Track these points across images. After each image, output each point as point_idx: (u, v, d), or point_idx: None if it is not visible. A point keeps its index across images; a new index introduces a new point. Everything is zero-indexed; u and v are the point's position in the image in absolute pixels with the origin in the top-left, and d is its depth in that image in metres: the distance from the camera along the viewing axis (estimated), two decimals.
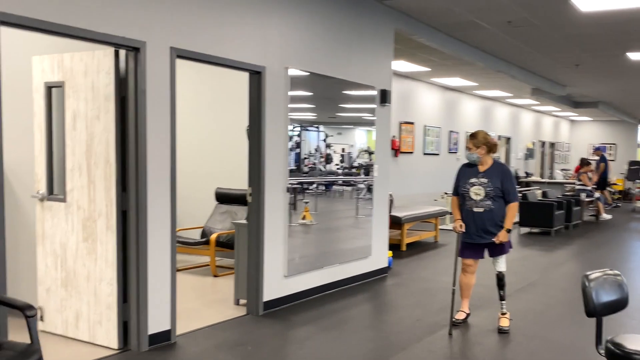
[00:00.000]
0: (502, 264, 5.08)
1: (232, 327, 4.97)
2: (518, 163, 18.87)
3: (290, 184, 5.69)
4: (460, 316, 5.21)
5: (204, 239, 7.04)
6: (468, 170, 5.06)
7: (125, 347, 4.36)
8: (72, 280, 4.60)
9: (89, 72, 4.44)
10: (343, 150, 6.53)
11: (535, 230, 11.67)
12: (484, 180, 4.94)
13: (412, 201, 12.24)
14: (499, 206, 4.94)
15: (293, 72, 5.60)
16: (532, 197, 11.70)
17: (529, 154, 19.66)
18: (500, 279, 5.08)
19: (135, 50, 4.28)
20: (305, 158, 5.94)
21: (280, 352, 4.38)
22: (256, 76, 5.31)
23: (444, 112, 14.16)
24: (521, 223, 11.34)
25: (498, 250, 5.01)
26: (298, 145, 5.82)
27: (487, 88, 14.12)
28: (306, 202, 5.99)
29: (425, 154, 13.26)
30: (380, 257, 7.05)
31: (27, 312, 2.88)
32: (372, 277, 6.88)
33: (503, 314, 5.09)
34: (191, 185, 8.14)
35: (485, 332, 4.97)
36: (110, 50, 4.31)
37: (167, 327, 4.50)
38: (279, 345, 4.52)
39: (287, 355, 4.31)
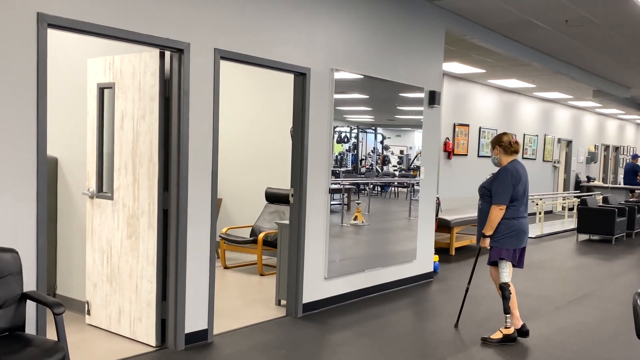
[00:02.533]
0: (502, 273, 4.72)
1: (270, 328, 4.90)
2: (579, 167, 18.07)
3: (343, 184, 5.65)
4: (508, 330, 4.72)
5: (252, 238, 7.02)
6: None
7: (163, 345, 4.35)
8: (116, 276, 4.63)
9: (136, 74, 4.45)
10: (401, 152, 6.48)
11: (594, 237, 11.10)
12: (486, 180, 4.82)
13: (464, 204, 11.87)
14: (487, 208, 4.67)
15: (341, 74, 5.47)
16: (592, 202, 11.12)
17: (591, 158, 18.78)
18: (502, 289, 4.72)
19: (179, 51, 4.25)
20: (362, 159, 5.99)
21: (313, 356, 4.26)
22: (300, 77, 5.21)
23: (501, 114, 13.68)
24: (579, 229, 10.80)
25: (490, 257, 4.75)
26: (355, 147, 5.88)
27: (546, 90, 13.55)
28: (358, 203, 5.93)
29: (479, 156, 12.85)
30: (425, 261, 6.83)
31: (55, 310, 2.88)
32: (416, 282, 6.66)
33: (505, 327, 4.69)
34: (243, 185, 8.14)
35: (537, 345, 4.69)
36: (156, 52, 4.30)
37: (204, 326, 4.46)
38: (312, 350, 4.40)
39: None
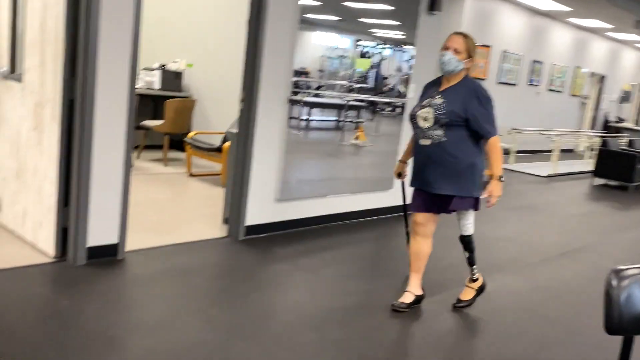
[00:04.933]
0: (468, 224, 3.55)
1: (202, 248, 4.21)
2: (610, 106, 16.68)
3: (352, 101, 5.26)
4: (405, 298, 3.54)
5: (217, 146, 6.25)
6: (429, 88, 3.46)
7: (62, 257, 3.68)
8: (23, 172, 3.93)
9: None
10: None
11: (612, 183, 10.09)
12: (439, 99, 3.28)
13: None
14: (454, 139, 3.26)
15: None
16: (614, 144, 10.03)
17: (625, 97, 17.29)
18: (467, 242, 3.60)
19: None
20: (384, 78, 5.66)
21: (232, 289, 3.57)
22: None
23: (529, 39, 12.33)
24: (596, 172, 9.78)
25: (456, 203, 3.36)
26: (379, 64, 5.55)
27: (584, 16, 12.08)
28: (360, 122, 5.38)
29: (499, 82, 11.68)
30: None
31: None
32: (389, 214, 5.84)
33: (472, 280, 3.70)
34: (222, 86, 7.28)
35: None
36: None
37: (114, 240, 3.76)
38: (236, 280, 3.71)
39: (237, 296, 3.50)
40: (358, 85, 5.39)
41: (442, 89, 3.33)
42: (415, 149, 3.45)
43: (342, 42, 5.21)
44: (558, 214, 7.17)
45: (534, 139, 12.35)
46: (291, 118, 4.77)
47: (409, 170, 3.70)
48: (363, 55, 5.43)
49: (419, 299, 3.61)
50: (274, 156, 4.59)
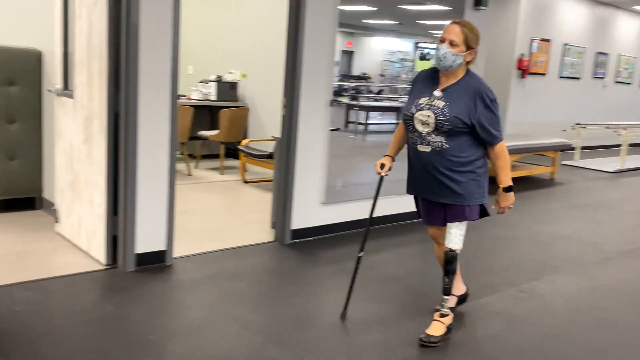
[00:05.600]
0: (453, 236, 3.00)
1: (248, 254, 4.22)
2: None
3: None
4: (451, 303, 3.20)
5: (268, 152, 6.29)
6: (425, 82, 3.00)
7: (114, 264, 3.79)
8: (76, 183, 4.08)
9: None
10: None
11: None
12: (440, 102, 2.87)
13: (536, 129, 10.45)
14: (458, 145, 2.87)
15: None
16: None
17: None
18: (449, 260, 3.03)
19: None
20: None
21: (275, 293, 3.55)
22: None
23: (592, 30, 11.74)
24: None
25: (451, 214, 2.98)
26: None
27: None
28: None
29: (561, 77, 11.17)
30: None
31: None
32: None
33: (441, 315, 3.12)
34: (274, 96, 7.33)
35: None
36: None
37: (161, 247, 3.84)
38: (278, 285, 3.69)
39: (277, 300, 3.47)
40: None
41: (441, 86, 2.91)
42: (413, 154, 3.02)
43: (402, 45, 5.15)
44: (623, 211, 6.75)
45: (601, 134, 11.73)
46: (349, 122, 4.74)
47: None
48: (424, 57, 5.33)
49: (462, 298, 3.43)
50: (317, 160, 4.56)
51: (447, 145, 2.87)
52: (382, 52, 4.93)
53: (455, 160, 2.89)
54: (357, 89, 4.72)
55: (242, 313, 3.23)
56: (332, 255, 4.32)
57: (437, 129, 2.85)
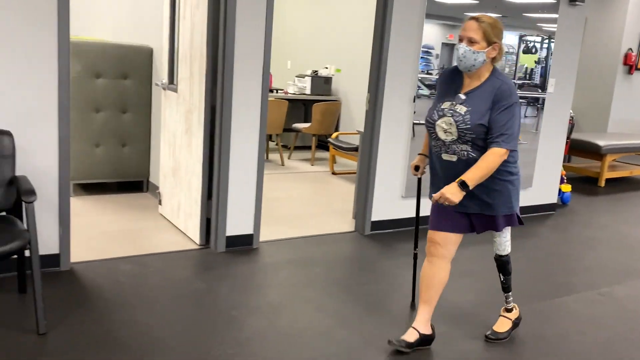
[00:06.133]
0: (505, 241, 2.94)
1: (329, 242, 4.41)
2: None
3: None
4: (408, 336, 2.83)
5: (355, 145, 6.45)
6: (449, 83, 2.77)
7: (207, 245, 4.12)
8: (178, 170, 4.45)
9: None
10: None
11: None
12: (462, 107, 2.64)
13: None
14: (481, 155, 2.64)
15: None
16: None
17: None
18: (502, 264, 3.00)
19: None
20: None
21: (349, 280, 3.71)
22: None
23: None
24: None
25: (489, 223, 2.79)
26: (545, 59, 5.25)
27: None
28: None
29: None
30: (545, 189, 5.68)
31: (24, 198, 2.69)
32: (528, 214, 5.59)
33: (507, 310, 3.11)
34: (366, 90, 7.47)
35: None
36: None
37: (249, 231, 4.12)
38: (353, 273, 3.84)
39: (351, 287, 3.63)
40: (520, 82, 5.21)
41: (465, 89, 2.68)
42: (438, 164, 2.79)
43: (507, 38, 5.05)
44: None
45: None
46: None
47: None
48: (528, 50, 5.19)
49: (426, 339, 2.87)
50: (399, 154, 4.65)
51: (473, 154, 2.65)
52: None
53: None
54: None
55: (317, 296, 3.42)
56: (410, 248, 4.41)
57: (460, 138, 2.65)
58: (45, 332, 2.73)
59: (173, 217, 4.53)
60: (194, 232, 4.18)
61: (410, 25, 4.43)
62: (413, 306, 3.38)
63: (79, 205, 4.82)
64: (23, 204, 2.96)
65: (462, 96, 2.67)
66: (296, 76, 8.27)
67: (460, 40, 2.62)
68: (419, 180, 3.22)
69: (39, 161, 3.25)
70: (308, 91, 7.99)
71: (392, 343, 2.80)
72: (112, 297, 3.19)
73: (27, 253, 3.03)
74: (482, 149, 2.64)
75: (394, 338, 2.83)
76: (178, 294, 3.31)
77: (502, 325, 3.09)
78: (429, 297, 2.84)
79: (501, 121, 2.56)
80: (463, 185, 2.52)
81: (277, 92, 8.11)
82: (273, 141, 8.72)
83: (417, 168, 3.09)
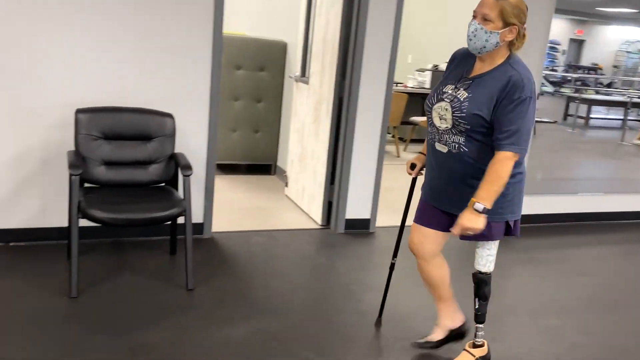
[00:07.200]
0: (480, 257, 2.47)
1: None
2: None
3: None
4: (433, 335, 2.74)
5: None
6: (459, 65, 2.38)
7: (327, 225, 4.42)
8: (304, 156, 4.78)
9: None
10: None
11: None
12: (464, 92, 2.25)
13: None
14: (480, 150, 2.25)
15: None
16: None
17: None
18: (477, 284, 2.51)
19: None
20: None
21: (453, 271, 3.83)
22: None
23: None
24: None
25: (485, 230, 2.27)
26: None
27: None
28: None
29: None
30: None
31: (183, 172, 3.11)
32: None
33: (474, 345, 2.60)
34: None
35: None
36: None
37: (366, 215, 4.36)
38: (458, 264, 3.94)
39: (457, 276, 3.74)
40: None
41: (474, 73, 2.28)
42: (431, 152, 2.44)
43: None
44: None
45: None
46: (568, 115, 4.68)
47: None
48: None
49: (456, 334, 2.73)
50: None
51: (466, 149, 2.26)
52: (617, 41, 4.57)
53: (477, 166, 2.27)
54: (583, 81, 4.52)
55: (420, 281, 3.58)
56: (527, 244, 4.42)
57: (455, 127, 2.26)
58: (193, 288, 3.15)
59: (298, 198, 4.88)
60: (317, 213, 4.49)
61: (537, 19, 4.40)
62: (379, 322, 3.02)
63: (217, 182, 5.33)
64: (179, 176, 3.40)
65: (468, 80, 2.28)
66: (416, 70, 8.36)
67: (474, 16, 2.21)
68: (413, 180, 2.77)
69: (191, 141, 3.69)
70: (428, 85, 8.06)
71: (417, 344, 2.72)
72: (247, 263, 3.57)
73: (179, 220, 3.47)
74: (479, 145, 2.25)
75: (418, 340, 2.74)
76: (303, 265, 3.63)
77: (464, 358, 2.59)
78: (439, 295, 2.69)
79: (510, 118, 2.15)
80: (478, 207, 2.15)
81: (397, 85, 8.26)
82: (389, 133, 8.89)
83: (413, 166, 2.71)
